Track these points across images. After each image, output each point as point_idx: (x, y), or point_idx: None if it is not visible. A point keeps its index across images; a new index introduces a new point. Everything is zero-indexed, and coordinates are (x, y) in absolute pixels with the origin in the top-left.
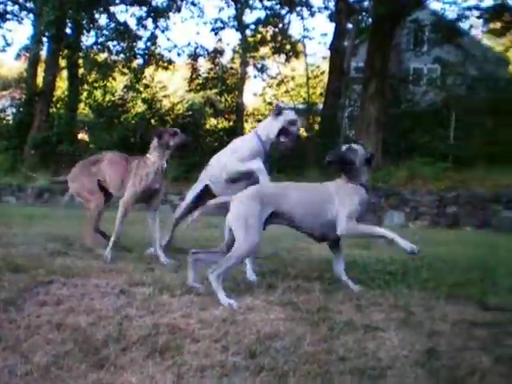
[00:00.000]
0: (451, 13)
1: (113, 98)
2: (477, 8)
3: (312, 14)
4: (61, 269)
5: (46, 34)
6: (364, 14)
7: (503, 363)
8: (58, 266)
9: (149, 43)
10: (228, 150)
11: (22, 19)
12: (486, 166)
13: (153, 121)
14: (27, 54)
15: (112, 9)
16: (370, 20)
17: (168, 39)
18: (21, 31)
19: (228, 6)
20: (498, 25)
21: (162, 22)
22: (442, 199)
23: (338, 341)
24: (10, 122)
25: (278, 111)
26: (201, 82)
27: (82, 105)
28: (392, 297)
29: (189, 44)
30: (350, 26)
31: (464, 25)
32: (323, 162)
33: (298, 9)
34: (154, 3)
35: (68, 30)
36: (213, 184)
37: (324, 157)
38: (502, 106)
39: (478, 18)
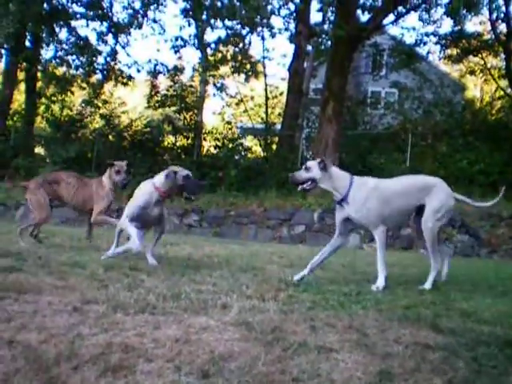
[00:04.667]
0: (409, 38)
1: (70, 113)
2: (435, 34)
3: (272, 35)
4: (13, 285)
5: (5, 46)
6: (323, 36)
7: None
8: (10, 282)
9: (109, 58)
10: None
11: None
12: None
13: (110, 137)
14: None
15: (73, 23)
16: (329, 43)
17: (128, 55)
18: None
19: (189, 25)
20: (454, 51)
21: (122, 38)
22: None
23: (291, 361)
24: None
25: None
26: (160, 99)
27: (39, 118)
28: (346, 318)
29: (149, 61)
30: (309, 47)
31: (422, 50)
32: (280, 182)
33: (259, 29)
34: (115, 19)
35: (27, 43)
36: None
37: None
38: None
39: (436, 43)
